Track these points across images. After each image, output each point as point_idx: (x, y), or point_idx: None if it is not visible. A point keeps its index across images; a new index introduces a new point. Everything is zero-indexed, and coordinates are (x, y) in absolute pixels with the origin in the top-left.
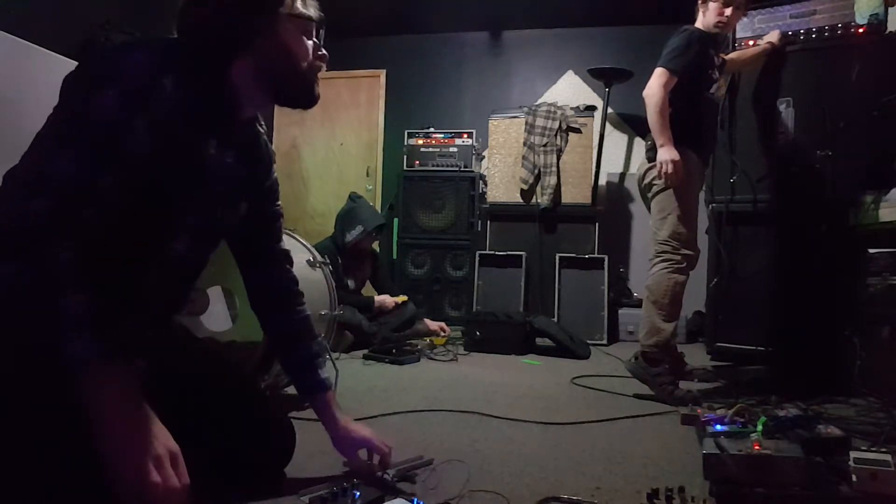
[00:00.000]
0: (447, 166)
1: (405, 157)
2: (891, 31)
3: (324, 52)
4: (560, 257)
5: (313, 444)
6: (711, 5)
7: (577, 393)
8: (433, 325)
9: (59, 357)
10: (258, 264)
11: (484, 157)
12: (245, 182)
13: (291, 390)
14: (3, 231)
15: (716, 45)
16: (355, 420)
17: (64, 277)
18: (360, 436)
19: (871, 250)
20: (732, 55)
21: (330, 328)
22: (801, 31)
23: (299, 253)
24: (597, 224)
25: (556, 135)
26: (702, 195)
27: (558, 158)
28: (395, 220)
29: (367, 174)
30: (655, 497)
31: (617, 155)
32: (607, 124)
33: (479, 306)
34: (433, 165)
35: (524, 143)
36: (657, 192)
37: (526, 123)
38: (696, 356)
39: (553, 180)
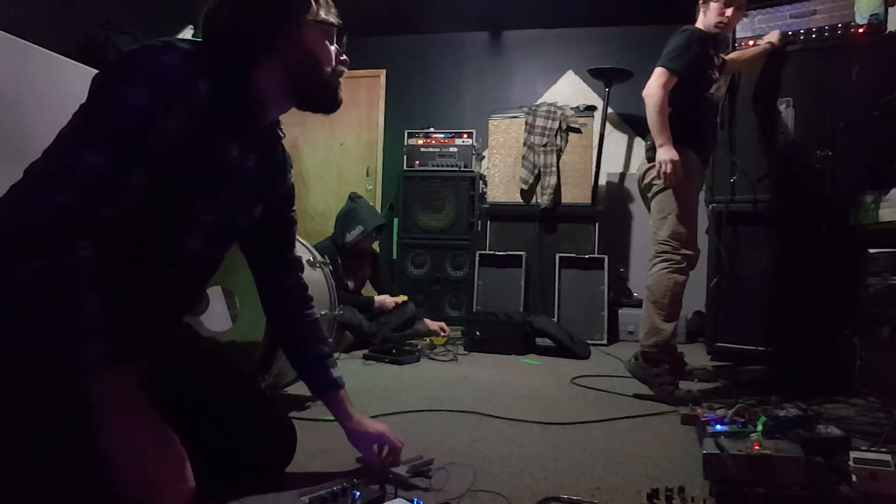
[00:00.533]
0: (447, 166)
1: (405, 157)
2: (891, 31)
3: (345, 57)
4: (560, 257)
5: (313, 444)
6: (712, 5)
7: (577, 393)
8: (433, 325)
9: (70, 357)
10: (271, 270)
11: (484, 157)
12: (262, 185)
13: (291, 390)
14: (27, 225)
15: (716, 45)
16: None
17: (81, 277)
18: (375, 430)
19: (871, 250)
20: (732, 55)
21: (330, 328)
22: (801, 31)
23: (299, 252)
24: (597, 224)
25: (556, 135)
26: (702, 195)
27: (558, 158)
28: (395, 220)
29: (367, 174)
30: (655, 497)
31: (617, 155)
32: (607, 124)
33: (479, 306)
34: (433, 165)
35: (524, 143)
36: (657, 192)
37: (526, 123)
38: (696, 356)
39: (553, 180)
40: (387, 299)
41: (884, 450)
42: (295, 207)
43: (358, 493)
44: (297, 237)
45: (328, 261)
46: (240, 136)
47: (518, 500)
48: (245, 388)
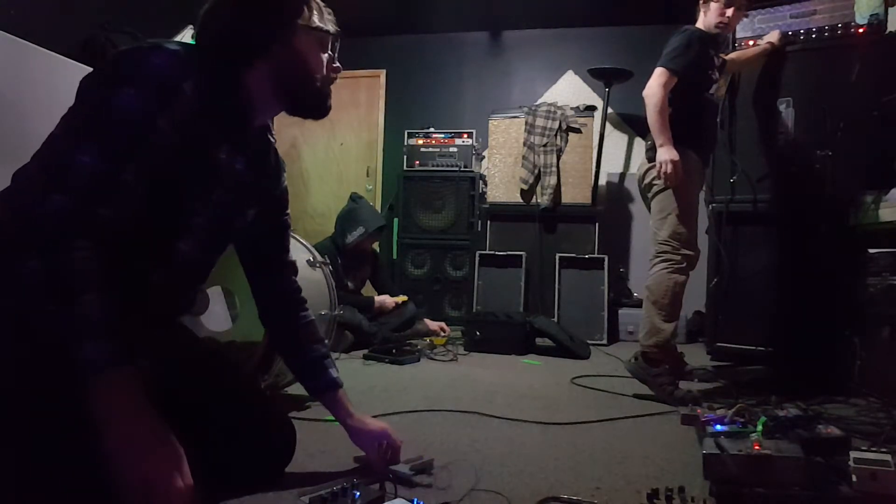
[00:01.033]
0: (447, 166)
1: (405, 157)
2: (891, 31)
3: (338, 65)
4: (560, 257)
5: (313, 444)
6: (713, 6)
7: (577, 393)
8: (433, 325)
9: (68, 357)
10: (265, 273)
11: (484, 157)
12: (254, 188)
13: (291, 390)
14: (23, 226)
15: (716, 45)
16: None
17: (79, 277)
18: (378, 428)
19: (871, 250)
20: (732, 55)
21: (330, 328)
22: (801, 31)
23: (299, 253)
24: (597, 224)
25: (556, 135)
26: (702, 195)
27: (558, 158)
28: (395, 220)
29: (367, 174)
30: (655, 497)
31: (617, 155)
32: (607, 124)
33: (479, 306)
34: (433, 165)
35: (524, 143)
36: (657, 192)
37: (526, 123)
38: (696, 356)
39: (553, 180)
40: (387, 299)
41: (884, 450)
42: (289, 211)
43: (358, 493)
44: (298, 237)
45: (328, 261)
46: (229, 139)
47: (518, 500)
48: (245, 388)
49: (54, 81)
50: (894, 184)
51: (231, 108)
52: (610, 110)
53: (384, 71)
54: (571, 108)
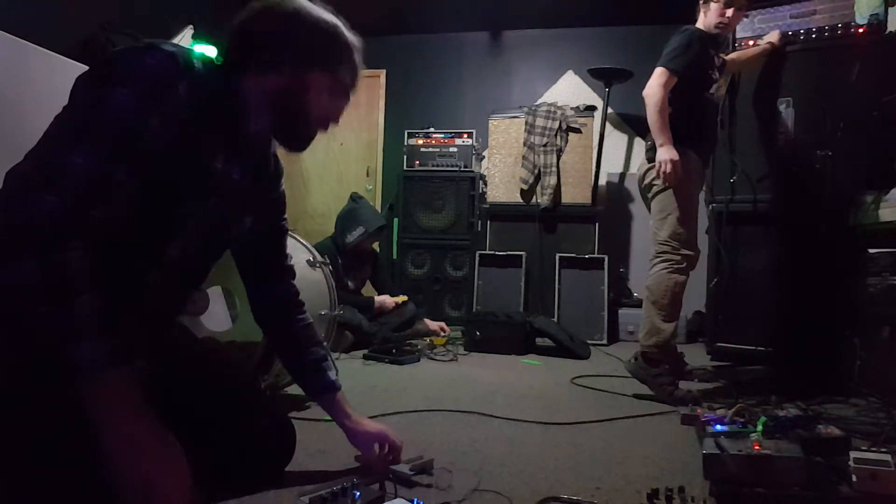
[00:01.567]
0: (447, 166)
1: (405, 157)
2: (891, 31)
3: (336, 121)
4: (560, 257)
5: (313, 444)
6: (713, 6)
7: (577, 393)
8: (433, 325)
9: (64, 359)
10: (262, 278)
11: (484, 157)
12: (250, 195)
13: (291, 390)
14: (17, 226)
15: (716, 45)
16: None
17: (74, 278)
18: (375, 430)
19: (871, 250)
20: (733, 55)
21: (330, 328)
22: (801, 31)
23: (299, 253)
24: (597, 224)
25: (556, 135)
26: (702, 195)
27: (558, 158)
28: (395, 220)
29: (367, 174)
30: (655, 497)
31: (617, 155)
32: (607, 124)
33: (479, 306)
34: (433, 165)
35: (524, 143)
36: (657, 193)
37: (526, 123)
38: (696, 356)
39: (553, 180)
40: (387, 299)
41: (884, 450)
42: (286, 216)
43: (358, 493)
44: (297, 237)
45: (328, 261)
46: (224, 144)
47: (518, 500)
48: (245, 388)
49: (54, 81)
50: (894, 184)
51: (223, 111)
52: (610, 110)
53: (384, 71)
54: (571, 108)
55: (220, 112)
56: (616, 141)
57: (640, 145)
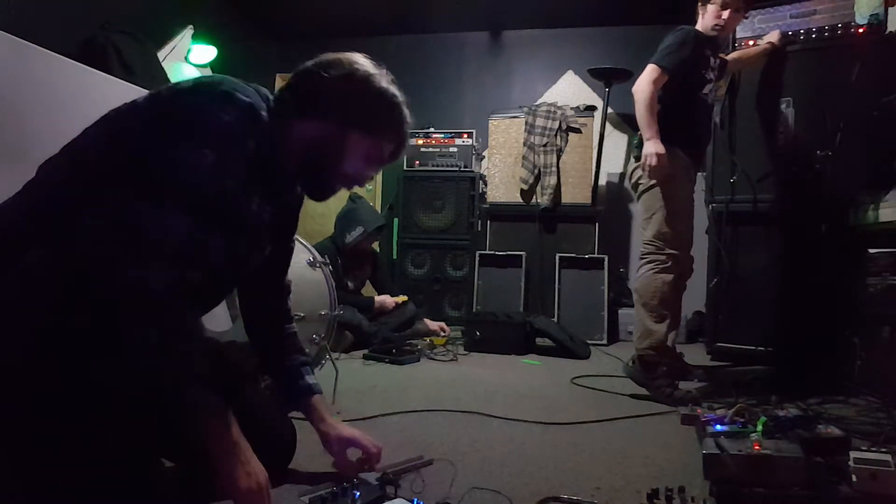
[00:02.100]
0: (447, 166)
1: (405, 157)
2: (891, 31)
3: (362, 185)
4: (560, 257)
5: (313, 444)
6: (710, 7)
7: (577, 393)
8: (433, 325)
9: (182, 404)
10: (262, 296)
11: (484, 157)
12: (275, 230)
13: None
14: (130, 296)
15: (714, 46)
16: (355, 420)
17: (192, 339)
18: (348, 435)
19: (871, 250)
20: (733, 55)
21: (330, 328)
22: (801, 31)
23: (299, 253)
24: (597, 224)
25: (556, 135)
26: (701, 195)
27: (558, 158)
28: (395, 220)
29: None
30: (655, 497)
31: (617, 155)
32: (607, 124)
33: (479, 306)
34: (433, 165)
35: (524, 143)
36: (643, 191)
37: (526, 123)
38: (696, 356)
39: (553, 180)
40: (387, 299)
41: (884, 450)
42: (297, 235)
43: (358, 493)
44: (298, 237)
45: (328, 261)
46: (261, 185)
47: (518, 500)
48: (245, 388)
49: (54, 81)
50: (894, 184)
51: (274, 161)
52: (610, 110)
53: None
54: (571, 108)
55: (271, 163)
56: (616, 141)
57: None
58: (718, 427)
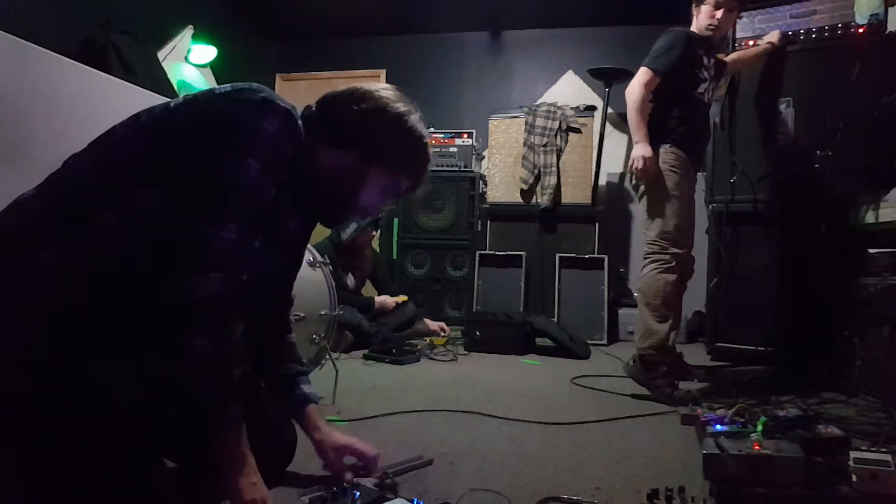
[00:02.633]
0: (447, 166)
1: None
2: (891, 31)
3: (376, 218)
4: (560, 257)
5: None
6: (703, 8)
7: (577, 393)
8: (433, 325)
9: (210, 415)
10: (265, 305)
11: (484, 157)
12: (295, 242)
13: None
14: (187, 304)
15: (708, 46)
16: (355, 420)
17: (236, 355)
18: (344, 442)
19: (871, 250)
20: (733, 55)
21: (330, 328)
22: (801, 31)
23: None
24: (597, 224)
25: (556, 135)
26: (701, 195)
27: (558, 158)
28: (395, 220)
29: None
30: (655, 497)
31: (617, 155)
32: (607, 124)
33: (479, 306)
34: (433, 165)
35: (524, 143)
36: (645, 192)
37: (526, 123)
38: (696, 356)
39: (553, 180)
40: (387, 300)
41: (884, 450)
42: (308, 247)
43: (358, 493)
44: None
45: (328, 261)
46: (293, 197)
47: (518, 500)
48: (245, 388)
49: (54, 81)
50: (894, 184)
51: (304, 175)
52: (610, 110)
53: (384, 71)
54: (571, 108)
55: (298, 163)
56: (616, 141)
57: None
58: (718, 427)
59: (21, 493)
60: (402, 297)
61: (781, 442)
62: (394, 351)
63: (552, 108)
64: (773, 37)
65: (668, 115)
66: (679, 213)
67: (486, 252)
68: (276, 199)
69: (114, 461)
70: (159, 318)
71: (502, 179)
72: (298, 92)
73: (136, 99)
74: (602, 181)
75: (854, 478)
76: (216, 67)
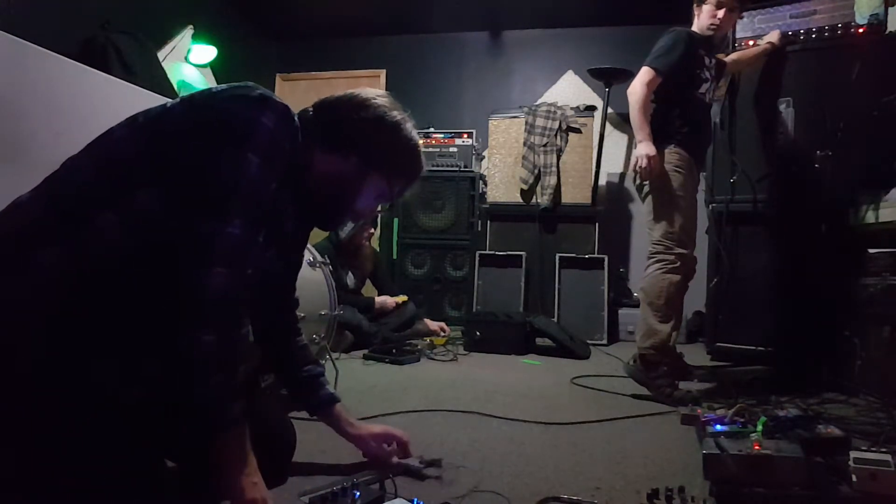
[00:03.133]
0: (447, 166)
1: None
2: (891, 31)
3: (367, 219)
4: (560, 257)
5: (313, 444)
6: (705, 7)
7: (577, 393)
8: (433, 325)
9: (213, 413)
10: (271, 307)
11: (484, 157)
12: (292, 242)
13: None
14: (194, 299)
15: (710, 46)
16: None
17: (241, 353)
18: (380, 430)
19: (871, 250)
20: (733, 56)
21: (330, 328)
22: (801, 31)
23: None
24: (597, 224)
25: (556, 135)
26: (701, 195)
27: (558, 158)
28: (395, 220)
29: None
30: (655, 497)
31: (617, 155)
32: (607, 124)
33: (479, 306)
34: (433, 165)
35: (524, 143)
36: (649, 192)
37: (526, 123)
38: (696, 356)
39: (553, 180)
40: (387, 300)
41: (884, 450)
42: (308, 247)
43: (358, 493)
44: None
45: (328, 261)
46: (290, 199)
47: (518, 500)
48: (245, 388)
49: (54, 81)
50: (894, 184)
51: (302, 170)
52: (610, 110)
53: (384, 71)
54: (571, 108)
55: (296, 160)
56: (616, 141)
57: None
58: (718, 427)
59: (22, 493)
60: (402, 297)
61: (781, 442)
62: (394, 351)
63: (552, 108)
64: (773, 37)
65: (671, 116)
66: (684, 213)
67: (486, 252)
68: (276, 194)
69: (114, 461)
70: (163, 315)
71: (502, 179)
72: (298, 92)
73: (136, 99)
74: (602, 181)
75: (854, 478)
76: (216, 67)
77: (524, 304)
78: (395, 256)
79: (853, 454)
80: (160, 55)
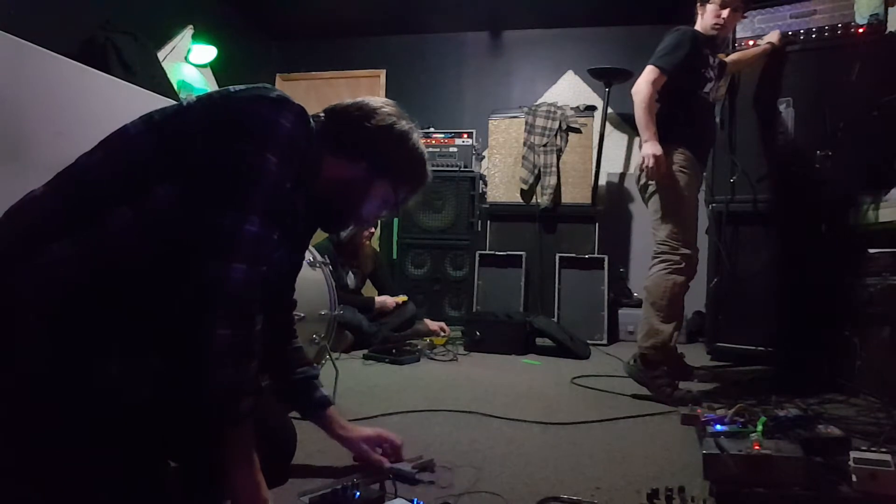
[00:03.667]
0: (447, 166)
1: None
2: (891, 31)
3: (371, 225)
4: (560, 257)
5: (313, 444)
6: (709, 7)
7: (577, 393)
8: (433, 325)
9: (221, 407)
10: (271, 309)
11: (484, 157)
12: (297, 240)
13: None
14: (212, 294)
15: (713, 46)
16: (355, 420)
17: (256, 348)
18: (372, 433)
19: (871, 250)
20: (733, 56)
21: (330, 328)
22: (801, 31)
23: None
24: (597, 224)
25: (556, 135)
26: (702, 195)
27: (558, 158)
28: (396, 220)
29: None
30: (655, 497)
31: (617, 155)
32: (607, 124)
33: (479, 306)
34: (433, 165)
35: (524, 143)
36: (653, 193)
37: (526, 123)
38: (696, 356)
39: (553, 180)
40: (387, 300)
41: (884, 450)
42: (310, 247)
43: (358, 493)
44: None
45: (328, 261)
46: (304, 199)
47: (518, 500)
48: (258, 385)
49: (54, 81)
50: (894, 184)
51: (315, 171)
52: (610, 110)
53: (384, 71)
54: (571, 108)
55: (309, 161)
56: (616, 141)
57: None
58: (718, 427)
59: (25, 493)
60: (402, 297)
61: (781, 442)
62: (394, 351)
63: (552, 108)
64: (773, 37)
65: (676, 115)
66: (688, 213)
67: (486, 252)
68: (291, 194)
69: (118, 461)
70: (174, 312)
71: (502, 179)
72: (298, 92)
73: (136, 99)
74: (602, 181)
75: (854, 478)
76: (216, 67)
77: (524, 304)
78: (395, 256)
79: (853, 454)
80: (160, 55)
